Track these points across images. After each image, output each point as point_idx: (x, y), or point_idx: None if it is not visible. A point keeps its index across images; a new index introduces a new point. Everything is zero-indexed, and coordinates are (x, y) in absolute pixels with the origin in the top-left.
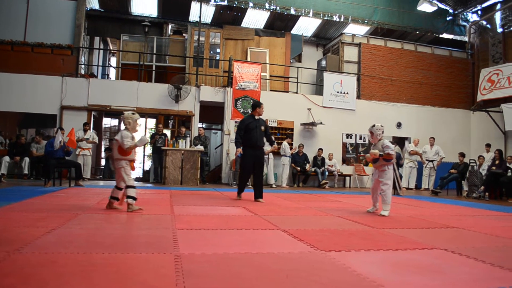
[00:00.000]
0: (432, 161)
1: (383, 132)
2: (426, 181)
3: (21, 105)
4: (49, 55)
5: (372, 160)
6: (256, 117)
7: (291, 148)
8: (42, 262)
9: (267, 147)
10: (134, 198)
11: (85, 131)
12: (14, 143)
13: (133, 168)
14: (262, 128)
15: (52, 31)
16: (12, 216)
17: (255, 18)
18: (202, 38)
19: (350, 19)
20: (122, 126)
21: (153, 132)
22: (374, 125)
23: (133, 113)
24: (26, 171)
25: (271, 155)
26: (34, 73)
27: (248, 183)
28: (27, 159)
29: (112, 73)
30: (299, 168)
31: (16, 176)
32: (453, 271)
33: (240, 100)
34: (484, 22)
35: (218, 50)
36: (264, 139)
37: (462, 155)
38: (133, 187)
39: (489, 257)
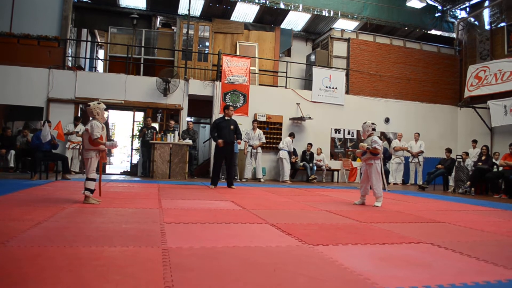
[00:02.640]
0: (417, 156)
1: (373, 129)
2: (412, 176)
3: (7, 97)
4: (35, 46)
5: (361, 154)
6: (227, 118)
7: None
8: (28, 255)
9: (256, 142)
10: (92, 191)
11: (75, 125)
12: (0, 136)
13: (104, 159)
14: (232, 127)
15: (38, 22)
16: None
17: (244, 12)
18: (191, 32)
19: (339, 14)
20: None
21: (141, 126)
22: (365, 122)
23: (99, 103)
24: (12, 164)
25: (259, 150)
26: (20, 65)
27: (222, 177)
28: (12, 152)
29: (100, 65)
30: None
31: (2, 169)
32: (440, 265)
33: (229, 94)
34: (472, 19)
35: (207, 44)
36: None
37: (449, 150)
38: (93, 179)
39: (475, 251)
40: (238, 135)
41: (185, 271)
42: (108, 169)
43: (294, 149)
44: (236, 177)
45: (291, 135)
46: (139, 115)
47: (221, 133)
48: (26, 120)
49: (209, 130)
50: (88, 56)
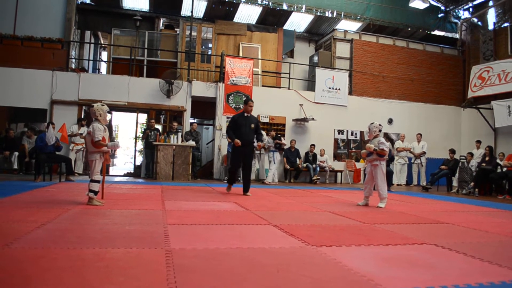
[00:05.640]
0: (419, 157)
1: (380, 130)
2: (415, 177)
3: (11, 99)
4: (39, 48)
5: (367, 155)
6: (246, 115)
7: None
8: (32, 257)
9: (270, 140)
10: (95, 193)
11: (80, 125)
12: (3, 138)
13: (108, 161)
14: (252, 125)
15: (42, 24)
16: (2, 211)
17: (247, 13)
18: (194, 33)
19: (342, 15)
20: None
21: (144, 127)
22: (372, 123)
23: (102, 105)
24: (15, 166)
25: (262, 151)
26: (24, 67)
27: (239, 179)
28: (16, 154)
29: (103, 67)
30: (288, 166)
31: (6, 170)
32: (443, 266)
33: (232, 95)
34: (476, 20)
35: (210, 45)
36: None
37: (452, 151)
38: (97, 181)
39: (478, 252)
40: (258, 135)
41: (188, 272)
42: (112, 171)
43: (297, 150)
44: (239, 179)
45: (273, 131)
46: (142, 117)
47: (239, 131)
48: (30, 122)
49: (225, 129)
50: (91, 58)
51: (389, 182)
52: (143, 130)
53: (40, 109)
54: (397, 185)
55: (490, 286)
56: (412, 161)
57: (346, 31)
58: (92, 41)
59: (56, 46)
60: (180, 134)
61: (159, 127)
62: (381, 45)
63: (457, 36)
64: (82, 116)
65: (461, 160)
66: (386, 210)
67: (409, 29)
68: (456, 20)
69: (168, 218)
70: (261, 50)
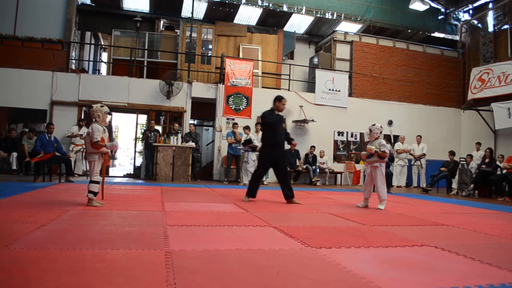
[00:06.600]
0: (419, 158)
1: (381, 132)
2: (415, 178)
3: (11, 99)
4: (39, 49)
5: (367, 156)
6: (277, 113)
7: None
8: (31, 258)
9: (259, 144)
10: (95, 194)
11: (80, 126)
12: (4, 138)
13: (107, 162)
14: (284, 125)
15: (42, 25)
16: (1, 211)
17: (247, 15)
18: (194, 34)
19: (342, 16)
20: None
21: (144, 128)
22: (374, 124)
23: (102, 106)
24: (14, 167)
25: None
26: (24, 67)
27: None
28: (15, 154)
29: (103, 68)
30: (288, 168)
31: (5, 171)
32: (443, 268)
33: (232, 96)
34: (476, 22)
35: (210, 46)
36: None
37: (452, 153)
38: (97, 182)
39: (478, 255)
40: (287, 134)
41: (188, 273)
42: (111, 172)
43: (297, 151)
44: (239, 180)
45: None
46: (143, 118)
47: (273, 133)
48: (30, 122)
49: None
50: (91, 58)
51: (389, 184)
52: (143, 131)
53: (40, 110)
54: (397, 187)
55: None
56: (412, 163)
57: (346, 33)
58: (93, 42)
59: (57, 47)
60: (180, 135)
61: (159, 128)
62: (381, 47)
63: (457, 38)
64: (82, 117)
65: (461, 162)
66: (385, 212)
67: (409, 31)
68: (456, 22)
69: (168, 219)
70: (261, 52)
